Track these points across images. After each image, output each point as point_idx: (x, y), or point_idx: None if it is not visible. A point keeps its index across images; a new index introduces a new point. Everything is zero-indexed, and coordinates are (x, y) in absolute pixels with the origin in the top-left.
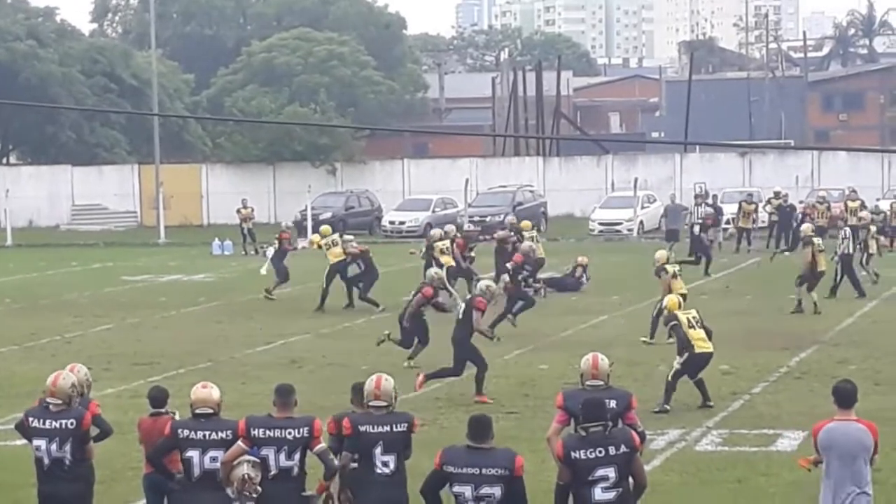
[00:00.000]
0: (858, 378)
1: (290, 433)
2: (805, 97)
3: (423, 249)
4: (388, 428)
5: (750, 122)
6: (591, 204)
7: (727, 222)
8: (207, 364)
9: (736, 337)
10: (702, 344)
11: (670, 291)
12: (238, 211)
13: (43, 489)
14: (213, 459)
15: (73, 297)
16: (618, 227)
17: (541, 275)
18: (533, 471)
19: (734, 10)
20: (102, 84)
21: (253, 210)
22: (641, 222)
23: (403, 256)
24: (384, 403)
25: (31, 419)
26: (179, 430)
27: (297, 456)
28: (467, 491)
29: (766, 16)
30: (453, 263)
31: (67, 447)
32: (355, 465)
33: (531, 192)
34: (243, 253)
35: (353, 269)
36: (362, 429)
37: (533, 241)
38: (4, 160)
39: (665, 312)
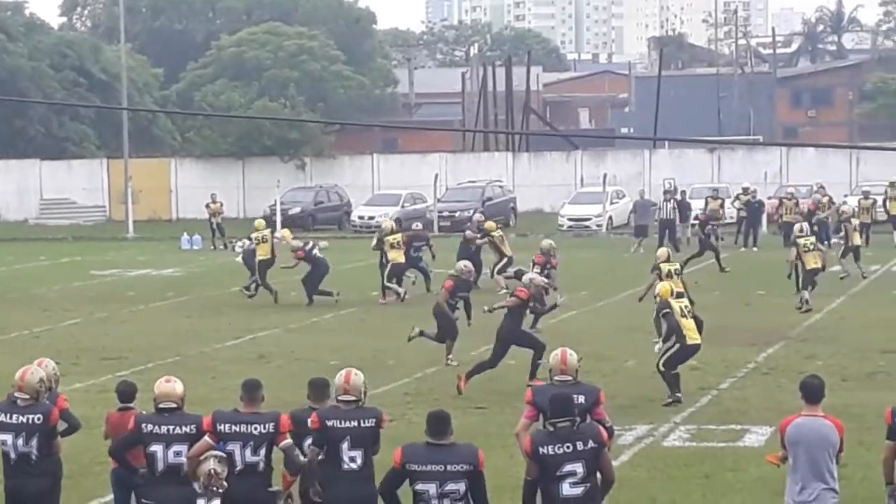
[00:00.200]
0: (825, 374)
1: (255, 428)
2: (774, 93)
3: (375, 242)
4: (355, 423)
5: (719, 118)
6: (561, 199)
7: (695, 218)
8: (176, 359)
9: (704, 332)
10: (692, 335)
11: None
12: (207, 205)
13: (9, 484)
14: (177, 454)
15: (42, 291)
16: (587, 223)
17: (509, 270)
18: (501, 466)
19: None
20: (71, 78)
21: (222, 205)
22: (610, 218)
23: (372, 252)
24: (353, 398)
25: None
26: (143, 425)
27: (262, 451)
28: (432, 488)
29: (736, 12)
30: (402, 259)
31: (34, 442)
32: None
33: (500, 187)
34: (212, 248)
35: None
36: (329, 423)
37: (500, 240)
38: None
39: (657, 300)
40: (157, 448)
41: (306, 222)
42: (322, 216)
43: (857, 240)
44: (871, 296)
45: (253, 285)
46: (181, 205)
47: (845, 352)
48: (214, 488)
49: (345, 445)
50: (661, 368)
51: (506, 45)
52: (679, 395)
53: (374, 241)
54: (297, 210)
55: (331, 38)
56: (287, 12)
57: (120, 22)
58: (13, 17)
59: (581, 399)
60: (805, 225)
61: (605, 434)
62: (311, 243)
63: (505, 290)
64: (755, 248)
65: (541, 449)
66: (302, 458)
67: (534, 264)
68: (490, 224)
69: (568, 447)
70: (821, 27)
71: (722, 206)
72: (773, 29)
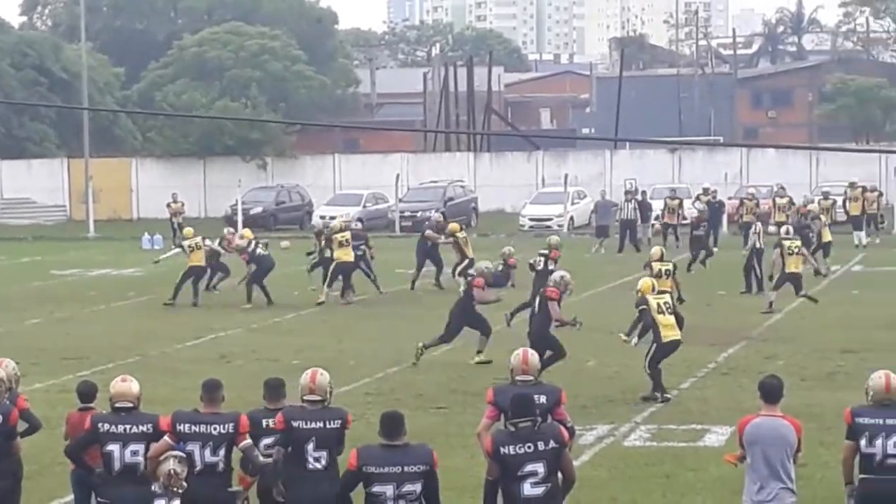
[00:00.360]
0: (785, 374)
1: (215, 429)
2: (734, 94)
3: (323, 242)
4: (321, 424)
5: (679, 118)
6: (522, 200)
7: (655, 218)
8: (137, 359)
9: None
10: (668, 332)
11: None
12: (168, 205)
13: None
14: (134, 453)
15: (2, 291)
16: (548, 223)
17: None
18: (462, 466)
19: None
20: (32, 77)
21: (183, 204)
22: (572, 218)
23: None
24: (319, 398)
25: None
26: (99, 424)
27: (222, 452)
28: (389, 490)
29: (697, 13)
30: (350, 258)
31: None
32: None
33: (462, 187)
34: (173, 247)
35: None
36: (295, 424)
37: (464, 241)
38: None
39: (637, 295)
40: (113, 447)
41: (268, 222)
42: (283, 216)
43: (827, 236)
44: (831, 296)
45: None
46: (142, 204)
47: (805, 352)
48: (174, 489)
49: (310, 446)
50: (647, 370)
51: (467, 46)
52: (665, 394)
53: (323, 240)
54: (258, 210)
55: (292, 37)
56: (248, 12)
57: (81, 21)
58: None
59: (542, 399)
60: (790, 227)
61: (566, 434)
62: (252, 243)
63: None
64: (715, 249)
65: (502, 449)
66: (261, 458)
67: (552, 260)
68: (454, 226)
69: (529, 447)
70: (781, 28)
71: (680, 206)
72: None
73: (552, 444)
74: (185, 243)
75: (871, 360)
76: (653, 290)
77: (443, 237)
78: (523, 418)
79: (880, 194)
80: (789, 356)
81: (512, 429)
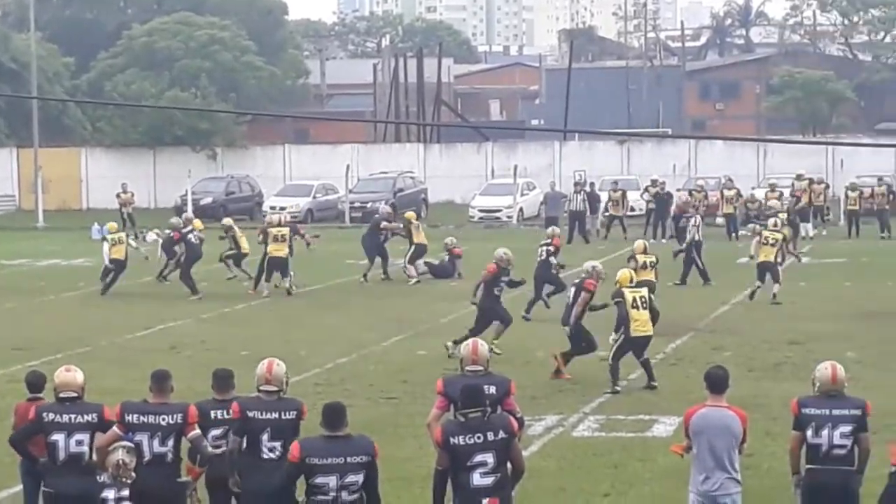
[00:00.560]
0: (733, 364)
1: (164, 419)
2: (682, 86)
3: (261, 235)
4: (276, 415)
5: (628, 110)
6: (472, 191)
7: (608, 209)
8: (87, 349)
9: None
10: (639, 327)
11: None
12: (118, 195)
13: None
14: (79, 443)
15: None
16: (498, 214)
17: (420, 261)
18: (412, 456)
19: None
20: None
21: (133, 194)
22: (521, 209)
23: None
24: (275, 388)
25: None
26: (44, 414)
27: (170, 442)
28: (332, 481)
29: (645, 5)
30: (282, 252)
31: None
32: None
33: (412, 178)
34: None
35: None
36: (251, 414)
37: (418, 229)
38: None
39: (616, 286)
40: (58, 437)
41: (217, 212)
42: (233, 206)
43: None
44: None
45: (167, 271)
46: (92, 194)
47: (753, 343)
48: (123, 479)
49: (265, 436)
50: (610, 361)
51: (417, 37)
52: (618, 388)
53: (259, 234)
54: (208, 200)
55: (242, 28)
56: (198, 2)
57: (30, 11)
58: None
59: (492, 389)
60: (779, 220)
61: (515, 424)
62: (189, 227)
63: (416, 280)
64: (664, 241)
65: (452, 439)
66: (209, 448)
67: (555, 248)
68: (410, 214)
69: (479, 437)
70: (729, 21)
71: (624, 197)
72: (681, 22)
73: (501, 434)
74: (109, 237)
75: (818, 352)
76: (631, 282)
77: (398, 224)
78: (473, 409)
79: (827, 186)
80: (737, 347)
81: (462, 419)
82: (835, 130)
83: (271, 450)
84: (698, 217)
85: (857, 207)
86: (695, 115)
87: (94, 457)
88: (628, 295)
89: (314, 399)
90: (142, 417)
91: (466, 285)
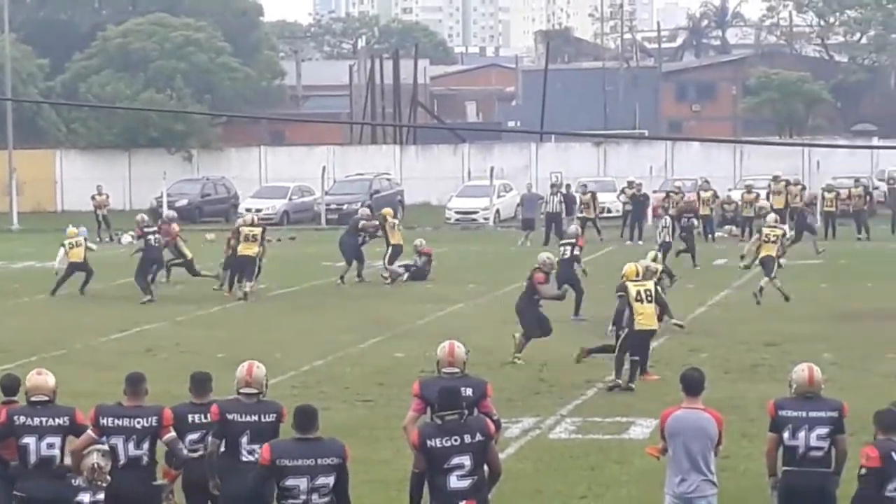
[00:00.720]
0: (709, 366)
1: (138, 422)
2: (659, 87)
3: (231, 237)
4: (256, 418)
5: (605, 111)
6: (448, 192)
7: (580, 211)
8: (62, 352)
9: (588, 325)
10: (642, 320)
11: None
12: (93, 197)
13: None
14: (50, 446)
15: None
16: (474, 216)
17: (398, 262)
18: (389, 459)
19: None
20: None
21: (108, 196)
22: (497, 211)
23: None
24: (255, 391)
25: None
26: (15, 417)
27: (145, 445)
28: (303, 483)
29: (622, 6)
30: (251, 252)
31: None
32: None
33: (388, 180)
34: (98, 240)
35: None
36: (230, 416)
37: (394, 227)
38: None
39: (621, 280)
40: (29, 440)
41: (193, 214)
42: (209, 208)
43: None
44: (755, 288)
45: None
46: (66, 196)
47: (729, 344)
48: (98, 482)
49: (244, 439)
50: (616, 353)
51: (393, 38)
52: (619, 381)
53: (230, 233)
54: (183, 202)
55: (217, 29)
56: (173, 3)
57: (4, 12)
58: None
59: (469, 392)
60: (777, 216)
61: (492, 427)
62: (153, 227)
63: (390, 281)
64: (640, 242)
65: (428, 441)
66: (185, 451)
67: (579, 247)
68: (388, 210)
69: (455, 440)
70: (705, 22)
71: (594, 198)
72: (658, 23)
73: (478, 436)
74: (66, 241)
75: (794, 353)
76: (637, 275)
77: (376, 221)
78: (450, 411)
79: (803, 188)
80: (713, 349)
81: (438, 421)
82: (811, 132)
83: (250, 452)
84: (668, 218)
85: (833, 209)
86: (671, 116)
87: (69, 460)
88: (632, 288)
89: (290, 402)
90: (116, 421)
91: (443, 288)
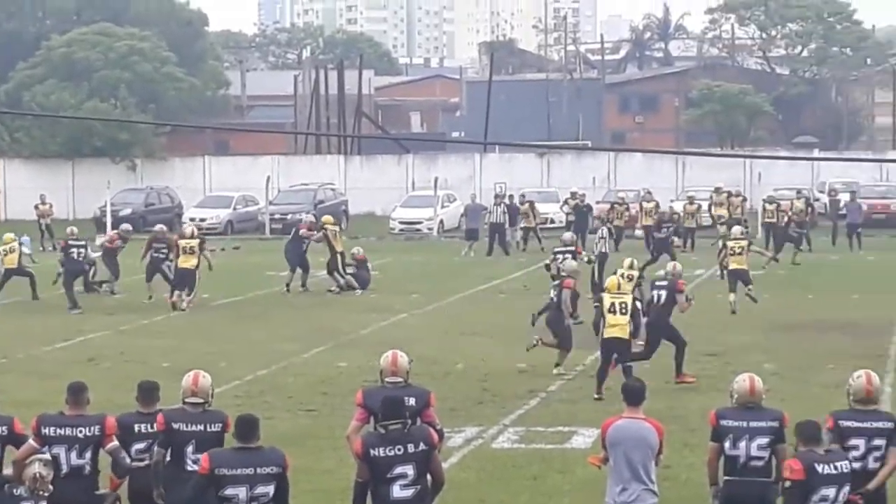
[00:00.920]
0: (650, 377)
1: (81, 431)
2: (602, 99)
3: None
4: (201, 427)
5: (548, 122)
6: (392, 203)
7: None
8: (2, 361)
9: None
10: (609, 330)
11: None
12: (36, 206)
13: None
14: None
15: None
16: (418, 226)
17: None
18: (332, 468)
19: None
20: None
21: (51, 206)
22: (441, 221)
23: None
24: (200, 400)
25: None
26: None
27: (88, 454)
28: (242, 492)
29: (565, 18)
30: (189, 264)
31: None
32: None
33: (333, 190)
34: (41, 249)
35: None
36: (175, 426)
37: (335, 236)
38: None
39: (602, 291)
40: None
41: (137, 224)
42: (153, 218)
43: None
44: (697, 300)
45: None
46: (10, 206)
47: (672, 355)
48: (40, 492)
49: (189, 448)
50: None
51: (338, 49)
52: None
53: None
54: (127, 211)
55: (162, 39)
56: (118, 13)
57: None
58: None
59: (412, 401)
60: (740, 228)
61: (435, 436)
62: (73, 244)
63: (337, 290)
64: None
65: (372, 451)
66: (128, 460)
67: (576, 253)
68: (327, 217)
69: (399, 449)
70: (648, 34)
71: (532, 207)
72: (601, 35)
73: (422, 446)
74: (0, 247)
75: (736, 363)
76: (617, 288)
77: (316, 232)
78: (393, 420)
79: (744, 199)
80: (655, 359)
81: (382, 431)
82: (753, 143)
83: (196, 462)
84: (605, 229)
85: (774, 220)
86: (614, 127)
87: (10, 470)
88: (607, 300)
89: (234, 411)
90: (58, 430)
91: (386, 298)
